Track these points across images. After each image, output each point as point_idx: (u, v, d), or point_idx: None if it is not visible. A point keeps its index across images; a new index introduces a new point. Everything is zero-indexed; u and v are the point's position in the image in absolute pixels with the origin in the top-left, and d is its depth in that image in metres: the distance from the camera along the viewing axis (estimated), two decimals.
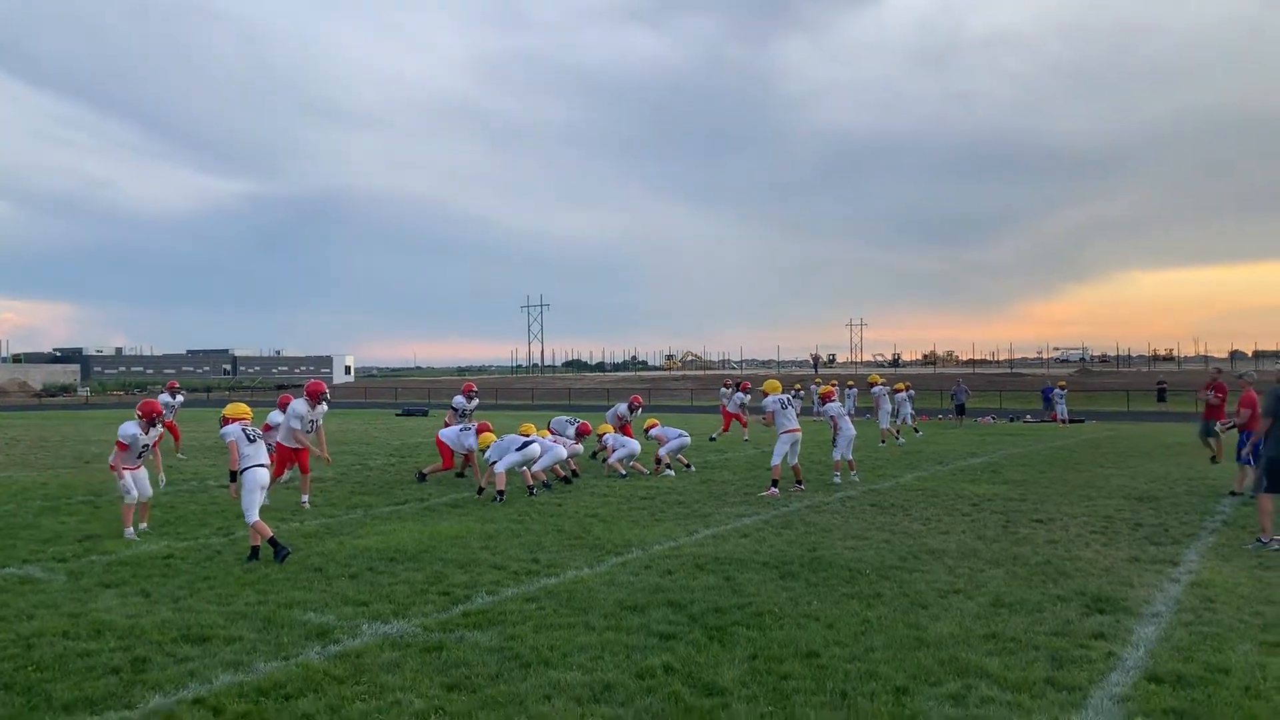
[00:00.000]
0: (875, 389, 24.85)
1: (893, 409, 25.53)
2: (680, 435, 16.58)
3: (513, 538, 10.09)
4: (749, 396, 25.03)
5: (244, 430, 9.48)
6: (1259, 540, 9.44)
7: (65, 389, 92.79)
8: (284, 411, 13.63)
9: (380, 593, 7.67)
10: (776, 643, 6.17)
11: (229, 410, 9.72)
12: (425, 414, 42.23)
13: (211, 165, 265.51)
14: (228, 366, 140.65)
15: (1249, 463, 13.19)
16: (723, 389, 26.66)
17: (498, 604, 7.25)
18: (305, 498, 12.74)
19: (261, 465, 9.45)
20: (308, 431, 12.82)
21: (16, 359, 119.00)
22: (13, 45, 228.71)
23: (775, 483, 13.47)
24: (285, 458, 13.01)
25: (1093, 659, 5.85)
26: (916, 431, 27.33)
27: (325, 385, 13.04)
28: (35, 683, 5.55)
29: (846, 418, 15.22)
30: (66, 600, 7.51)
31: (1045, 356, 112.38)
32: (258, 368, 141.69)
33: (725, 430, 25.19)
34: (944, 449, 22.21)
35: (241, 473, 9.29)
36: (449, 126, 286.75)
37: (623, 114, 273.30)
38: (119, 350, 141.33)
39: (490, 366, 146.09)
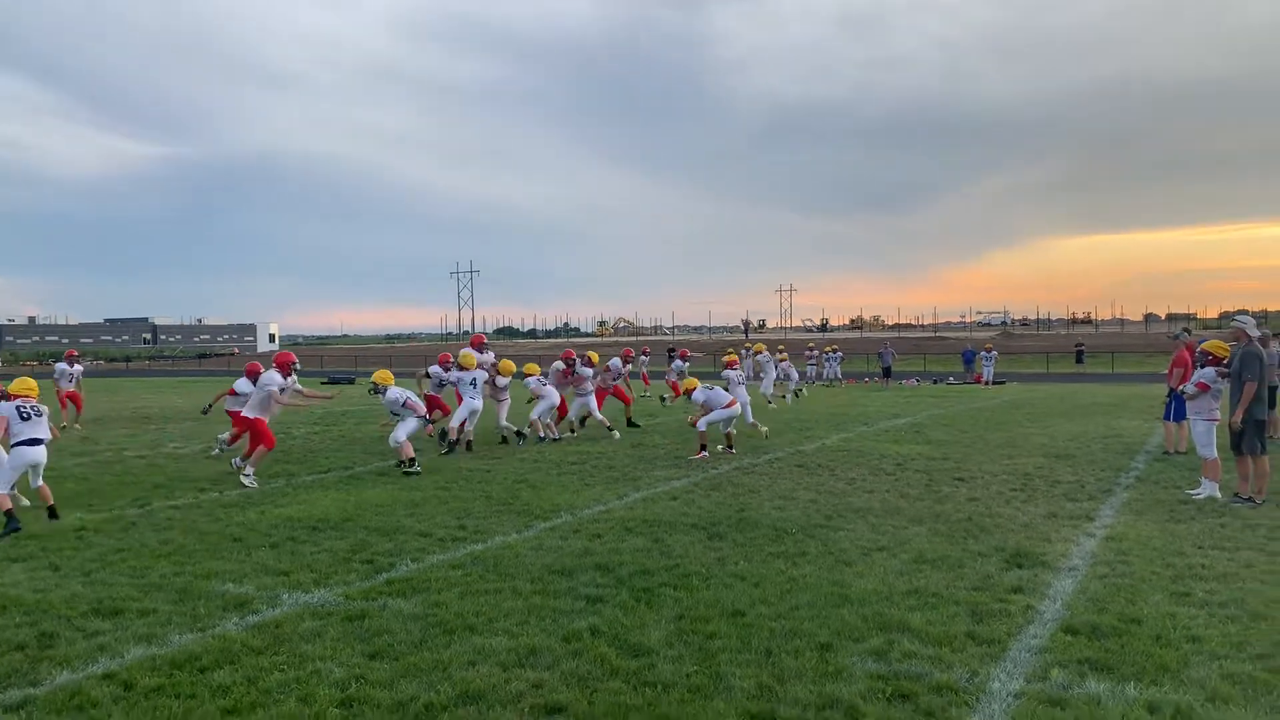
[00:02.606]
0: (760, 356, 25.33)
1: (777, 375, 25.85)
2: (728, 406, 13.91)
3: (439, 504, 9.97)
4: (687, 364, 25.06)
5: (19, 408, 9.27)
6: (1246, 499, 9.54)
7: None
8: (253, 381, 13.31)
9: (301, 562, 7.51)
10: (703, 603, 6.18)
11: (13, 386, 9.50)
12: (351, 382, 41.57)
13: (126, 128, 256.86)
14: (148, 335, 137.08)
15: (1174, 420, 13.55)
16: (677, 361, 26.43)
17: (422, 571, 7.14)
18: (249, 468, 11.81)
19: (34, 442, 9.26)
20: (288, 400, 12.67)
21: None
22: None
23: (704, 446, 13.54)
24: (246, 427, 12.68)
25: (1011, 612, 5.97)
26: (799, 394, 27.49)
27: (294, 355, 12.72)
28: None
29: (742, 387, 15.55)
30: None
31: (968, 320, 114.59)
32: (179, 336, 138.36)
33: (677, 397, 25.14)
34: (870, 410, 22.51)
35: (12, 448, 9.21)
36: (376, 87, 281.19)
37: (554, 77, 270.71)
38: (32, 319, 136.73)
39: (420, 334, 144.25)
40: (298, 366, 12.65)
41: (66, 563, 7.61)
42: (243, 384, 14.02)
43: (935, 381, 38.40)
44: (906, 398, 27.91)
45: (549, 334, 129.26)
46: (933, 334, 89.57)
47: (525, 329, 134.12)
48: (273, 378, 12.35)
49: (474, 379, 14.44)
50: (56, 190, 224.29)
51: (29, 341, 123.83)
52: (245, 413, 12.59)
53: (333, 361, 74.50)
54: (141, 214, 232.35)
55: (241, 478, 11.64)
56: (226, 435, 14.89)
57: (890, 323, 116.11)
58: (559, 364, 16.94)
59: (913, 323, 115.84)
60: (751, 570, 7.04)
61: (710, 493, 10.59)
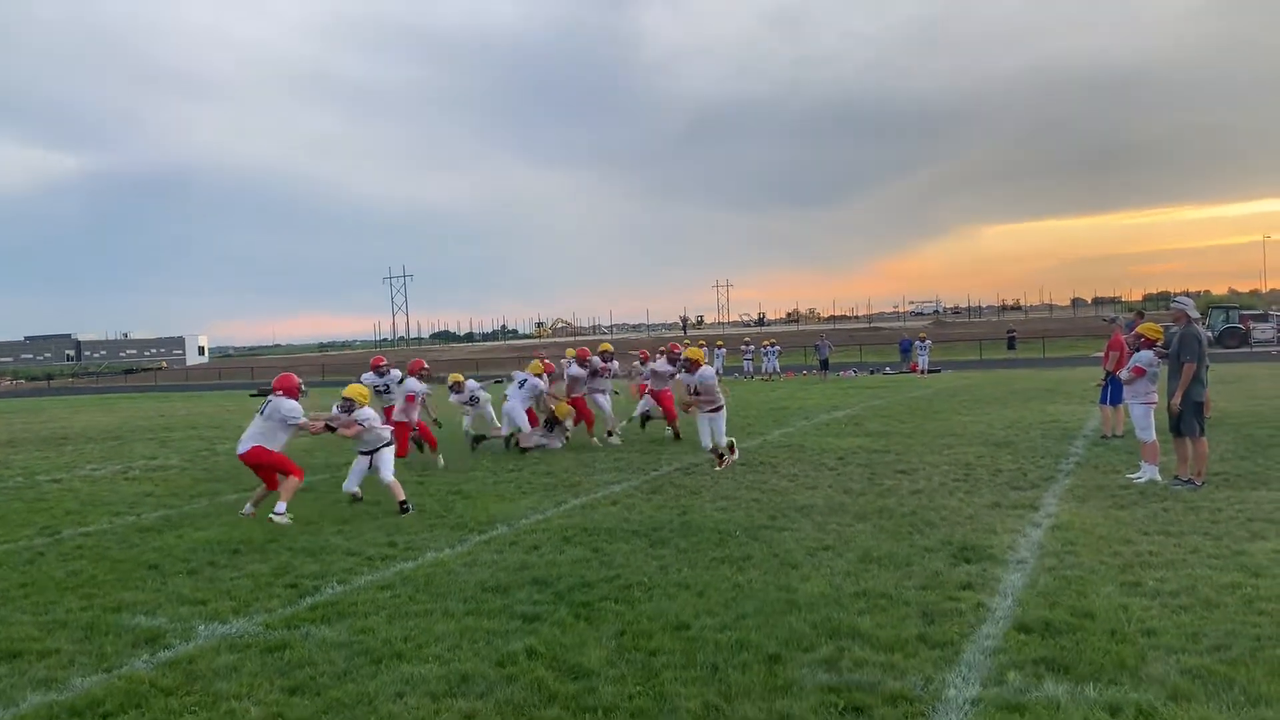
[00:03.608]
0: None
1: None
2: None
3: (369, 520, 9.55)
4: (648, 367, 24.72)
5: None
6: (1186, 481, 9.51)
7: None
8: (419, 379, 13.08)
9: (220, 589, 7.08)
10: (646, 616, 5.91)
11: None
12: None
13: (40, 138, 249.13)
14: (70, 352, 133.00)
15: (1110, 403, 13.62)
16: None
17: (348, 594, 6.76)
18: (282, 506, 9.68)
19: None
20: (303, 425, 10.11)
21: None
22: None
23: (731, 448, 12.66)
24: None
25: (963, 611, 5.79)
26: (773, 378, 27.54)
27: (297, 378, 10.39)
28: None
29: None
30: None
31: (902, 311, 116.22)
32: (104, 352, 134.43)
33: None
34: (809, 404, 22.46)
35: None
36: (299, 93, 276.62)
37: (480, 77, 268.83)
38: None
39: (354, 342, 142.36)
40: (303, 390, 10.39)
41: None
42: (412, 383, 13.31)
43: (872, 372, 38.67)
44: (844, 390, 27.97)
45: (486, 337, 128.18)
46: (868, 325, 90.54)
47: (463, 333, 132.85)
48: (292, 406, 10.02)
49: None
50: None
51: None
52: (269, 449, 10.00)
53: (264, 373, 72.83)
54: (60, 227, 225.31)
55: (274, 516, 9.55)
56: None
57: (826, 315, 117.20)
58: (576, 368, 15.51)
59: (848, 314, 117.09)
60: (695, 578, 6.79)
61: (651, 496, 10.33)
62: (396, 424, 12.82)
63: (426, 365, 14.11)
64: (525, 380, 14.82)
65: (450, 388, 15.02)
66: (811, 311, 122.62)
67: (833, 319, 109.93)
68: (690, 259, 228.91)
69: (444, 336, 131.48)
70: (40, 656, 5.70)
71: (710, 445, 12.28)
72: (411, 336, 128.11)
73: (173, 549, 8.59)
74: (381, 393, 14.21)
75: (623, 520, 8.99)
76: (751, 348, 39.37)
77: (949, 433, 15.07)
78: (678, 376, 13.04)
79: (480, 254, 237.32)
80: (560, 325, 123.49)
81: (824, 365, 37.31)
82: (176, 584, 7.31)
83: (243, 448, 10.00)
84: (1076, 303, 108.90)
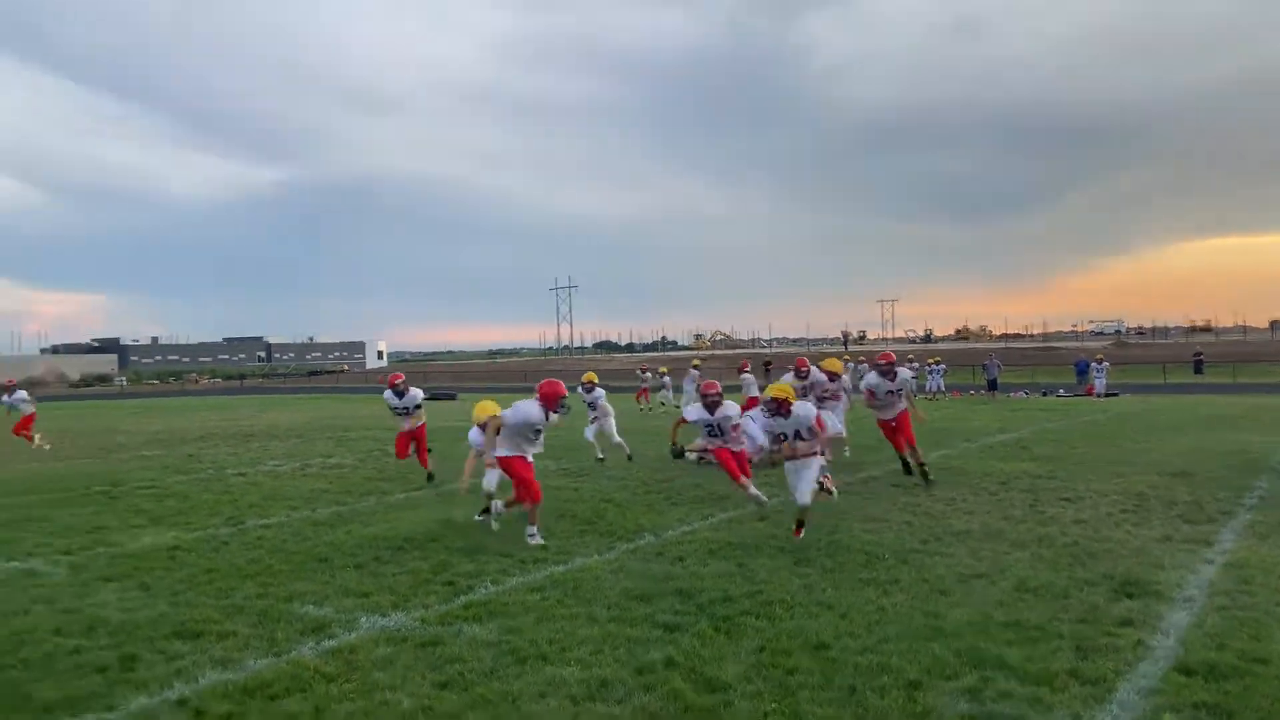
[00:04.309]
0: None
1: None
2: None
3: (523, 524, 9.85)
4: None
5: None
6: None
7: (102, 378, 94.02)
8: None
9: (383, 583, 7.47)
10: (786, 634, 5.90)
11: None
12: (453, 398, 42.20)
13: (242, 154, 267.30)
14: (262, 354, 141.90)
15: None
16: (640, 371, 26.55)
17: (500, 594, 7.02)
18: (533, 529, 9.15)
19: None
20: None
21: (54, 350, 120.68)
22: (38, 33, 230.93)
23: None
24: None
25: (1120, 648, 5.54)
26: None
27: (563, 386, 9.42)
28: (18, 682, 5.40)
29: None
30: (65, 595, 7.38)
31: (1080, 330, 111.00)
32: (291, 354, 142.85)
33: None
34: (974, 426, 21.77)
35: None
36: (477, 108, 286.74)
37: (648, 91, 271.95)
38: (155, 339, 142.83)
39: (522, 349, 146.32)
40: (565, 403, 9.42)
41: (157, 583, 7.73)
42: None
43: (1045, 394, 37.07)
44: (1013, 411, 26.96)
45: (646, 347, 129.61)
46: (1042, 344, 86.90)
47: (624, 343, 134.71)
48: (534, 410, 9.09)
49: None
50: (175, 214, 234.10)
51: (152, 361, 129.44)
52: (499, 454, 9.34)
53: (436, 377, 75.90)
54: (257, 236, 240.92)
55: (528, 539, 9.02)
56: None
57: (998, 333, 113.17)
58: (789, 377, 14.14)
59: (1021, 333, 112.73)
60: (839, 598, 6.73)
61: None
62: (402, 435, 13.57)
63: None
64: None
65: (582, 386, 15.29)
66: (983, 329, 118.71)
67: (1005, 337, 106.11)
68: (854, 272, 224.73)
69: (606, 346, 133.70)
70: (219, 638, 6.17)
71: (805, 502, 8.88)
72: (575, 346, 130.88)
73: (342, 544, 9.11)
74: (400, 414, 13.71)
75: (769, 536, 8.98)
76: (915, 365, 38.42)
77: (1122, 460, 14.34)
78: (762, 422, 9.40)
79: (642, 265, 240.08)
80: (719, 338, 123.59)
81: (992, 385, 36.07)
82: (344, 577, 7.76)
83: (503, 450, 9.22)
84: (1275, 325, 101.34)
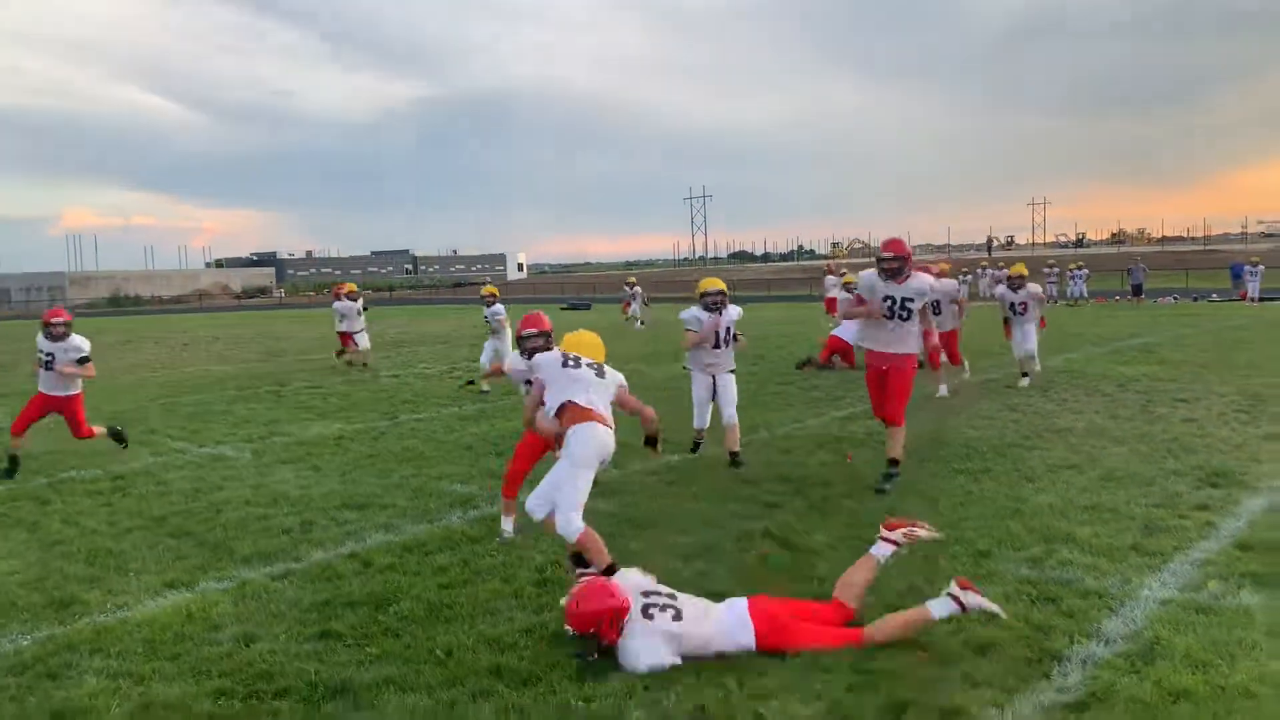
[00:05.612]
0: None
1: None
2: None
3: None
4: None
5: None
6: None
7: (262, 290, 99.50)
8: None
9: None
10: (875, 511, 6.52)
11: None
12: (589, 307, 43.48)
13: (383, 68, 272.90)
14: (409, 266, 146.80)
15: None
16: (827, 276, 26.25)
17: (624, 477, 7.85)
18: None
19: None
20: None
21: (219, 264, 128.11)
22: None
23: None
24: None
25: (1187, 528, 5.95)
26: None
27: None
28: (222, 540, 6.54)
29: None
30: (250, 474, 8.61)
31: (1248, 232, 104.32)
32: (437, 267, 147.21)
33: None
34: (1106, 331, 21.44)
35: None
36: (615, 16, 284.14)
37: None
38: (309, 253, 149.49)
39: (656, 260, 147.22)
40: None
41: (327, 465, 8.89)
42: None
43: (1195, 299, 35.65)
44: (1153, 316, 26.25)
45: (783, 258, 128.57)
46: (1203, 247, 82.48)
47: (759, 253, 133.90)
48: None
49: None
50: (323, 131, 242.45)
51: (306, 273, 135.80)
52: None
53: (573, 288, 77.65)
54: (399, 152, 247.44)
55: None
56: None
57: (1156, 236, 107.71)
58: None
59: (1182, 235, 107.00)
60: (932, 485, 7.29)
61: (913, 414, 10.67)
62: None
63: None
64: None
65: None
66: (1141, 232, 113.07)
67: (1163, 240, 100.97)
68: (1000, 174, 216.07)
69: (741, 256, 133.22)
70: (381, 509, 7.21)
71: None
72: (710, 256, 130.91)
73: (485, 435, 10.14)
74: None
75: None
76: (1056, 270, 37.44)
77: (1250, 364, 14.13)
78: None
79: (779, 173, 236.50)
80: (857, 245, 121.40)
81: (1136, 290, 34.91)
82: (485, 462, 8.74)
83: None
84: None
